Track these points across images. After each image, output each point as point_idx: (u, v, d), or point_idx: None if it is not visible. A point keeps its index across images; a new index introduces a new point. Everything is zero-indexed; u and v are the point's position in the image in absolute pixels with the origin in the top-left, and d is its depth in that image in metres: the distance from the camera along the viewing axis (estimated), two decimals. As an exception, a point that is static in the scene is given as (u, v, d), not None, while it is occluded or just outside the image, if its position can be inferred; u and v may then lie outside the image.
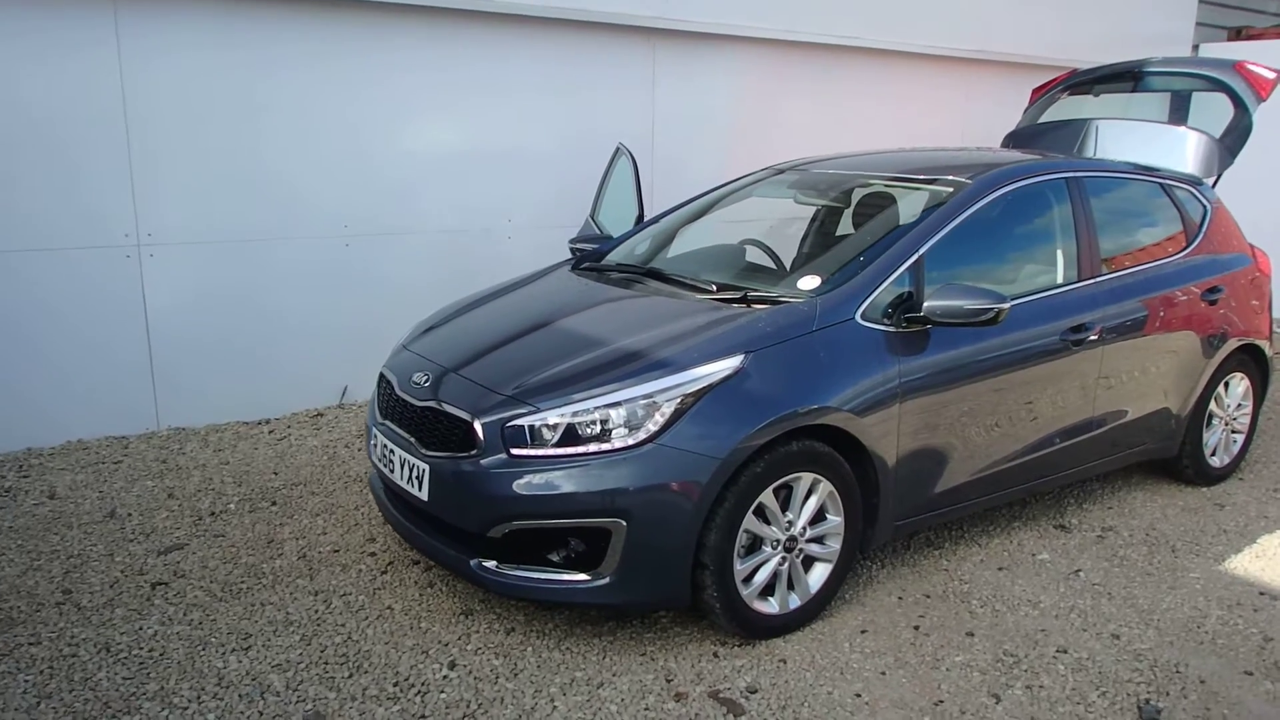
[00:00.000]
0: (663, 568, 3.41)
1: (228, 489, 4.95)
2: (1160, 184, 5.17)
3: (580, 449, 3.38)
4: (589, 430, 3.39)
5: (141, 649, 3.53)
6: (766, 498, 3.53)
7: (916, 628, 3.82)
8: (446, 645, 3.61)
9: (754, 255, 4.95)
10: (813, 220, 5.22)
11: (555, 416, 3.42)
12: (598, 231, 5.45)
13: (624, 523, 3.32)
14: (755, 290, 4.03)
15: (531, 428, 3.42)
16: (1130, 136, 5.70)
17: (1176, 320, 4.90)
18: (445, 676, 3.42)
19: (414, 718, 3.19)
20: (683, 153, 7.40)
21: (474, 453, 3.48)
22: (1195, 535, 4.73)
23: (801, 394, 3.57)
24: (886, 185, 4.71)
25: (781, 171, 5.23)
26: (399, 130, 6.23)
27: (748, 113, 7.69)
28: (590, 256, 4.99)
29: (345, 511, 4.72)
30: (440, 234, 6.48)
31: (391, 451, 3.82)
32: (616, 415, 3.39)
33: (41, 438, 5.41)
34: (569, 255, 5.22)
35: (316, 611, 3.82)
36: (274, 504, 4.79)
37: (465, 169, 6.50)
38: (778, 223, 5.26)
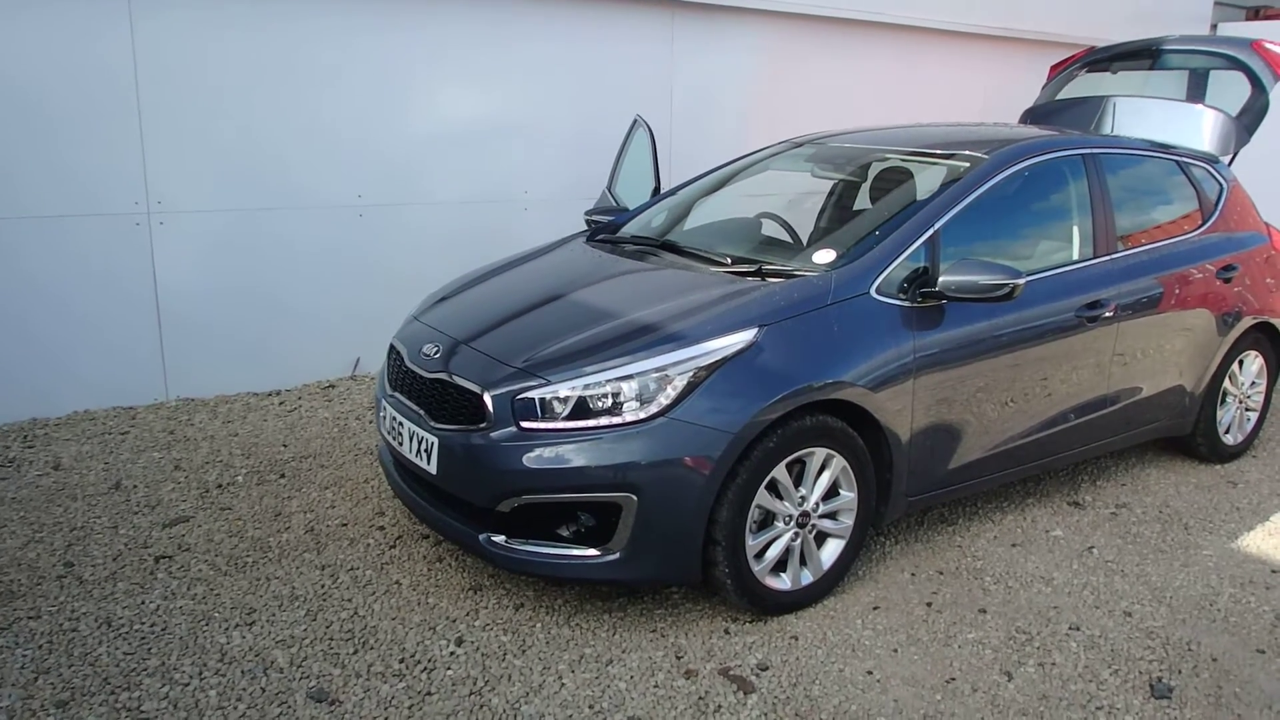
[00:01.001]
0: (674, 543, 3.38)
1: (236, 461, 4.92)
2: (1177, 162, 5.14)
3: (591, 422, 3.34)
4: (600, 403, 3.35)
5: (143, 624, 3.50)
6: (779, 473, 3.50)
7: (929, 604, 3.79)
8: (454, 621, 3.58)
9: (770, 229, 4.92)
10: (829, 194, 5.17)
11: (566, 389, 3.38)
12: (614, 203, 5.42)
13: (635, 497, 3.29)
14: (770, 264, 3.99)
15: (542, 400, 3.39)
16: (1147, 114, 5.66)
17: (1191, 298, 4.87)
18: (452, 653, 3.39)
19: (420, 695, 3.16)
20: (700, 125, 7.34)
21: (483, 425, 3.44)
22: (1208, 513, 4.70)
23: (815, 368, 3.53)
24: (903, 160, 4.66)
25: (799, 145, 5.18)
26: (415, 100, 6.17)
27: (766, 87, 7.62)
28: (605, 228, 4.94)
29: (354, 485, 4.69)
30: (456, 205, 6.43)
31: (400, 424, 3.79)
32: (628, 388, 3.35)
33: (47, 407, 5.37)
34: (584, 227, 5.18)
35: (323, 586, 3.79)
36: (282, 476, 4.76)
37: (482, 140, 6.45)
38: (794, 196, 5.22)
